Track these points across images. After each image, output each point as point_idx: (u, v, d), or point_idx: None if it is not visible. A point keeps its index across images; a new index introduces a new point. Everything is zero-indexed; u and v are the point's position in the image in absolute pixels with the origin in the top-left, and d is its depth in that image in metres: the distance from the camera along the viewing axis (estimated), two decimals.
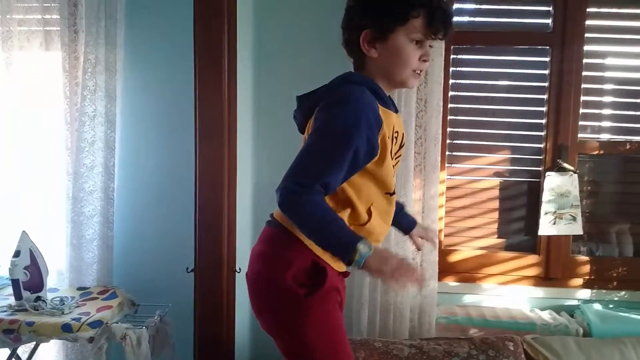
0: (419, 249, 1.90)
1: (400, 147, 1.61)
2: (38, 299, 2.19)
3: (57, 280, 2.51)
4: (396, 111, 1.57)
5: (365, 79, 1.51)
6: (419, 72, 1.52)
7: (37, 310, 2.14)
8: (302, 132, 1.60)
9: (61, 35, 2.42)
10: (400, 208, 1.78)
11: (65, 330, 2.03)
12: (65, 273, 2.49)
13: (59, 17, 2.42)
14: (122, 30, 2.45)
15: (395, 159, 1.59)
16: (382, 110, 1.46)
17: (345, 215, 1.47)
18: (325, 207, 1.37)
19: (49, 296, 2.25)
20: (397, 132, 1.54)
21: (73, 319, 2.07)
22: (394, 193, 1.56)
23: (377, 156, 1.45)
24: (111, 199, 2.47)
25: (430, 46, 1.51)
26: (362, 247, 1.32)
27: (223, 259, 2.10)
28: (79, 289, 2.40)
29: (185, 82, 2.10)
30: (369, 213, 1.51)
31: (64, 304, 2.19)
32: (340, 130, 1.39)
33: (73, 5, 2.41)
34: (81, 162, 2.41)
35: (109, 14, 2.40)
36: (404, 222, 1.82)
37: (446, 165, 2.55)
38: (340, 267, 1.55)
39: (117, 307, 2.22)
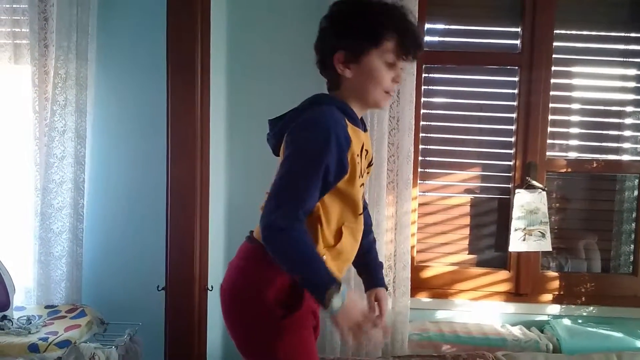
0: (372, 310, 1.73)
1: (369, 165, 1.63)
2: (4, 318, 2.14)
3: (25, 299, 2.45)
4: (365, 130, 1.59)
5: (333, 98, 1.53)
6: (390, 92, 1.55)
7: (3, 329, 2.09)
8: (277, 154, 1.60)
9: (31, 49, 2.39)
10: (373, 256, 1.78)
11: (32, 350, 1.99)
12: (32, 291, 2.43)
13: (28, 30, 2.39)
14: (94, 44, 2.43)
15: (365, 175, 1.61)
16: (351, 128, 1.48)
17: (316, 233, 1.47)
18: (307, 245, 1.39)
19: (16, 315, 2.20)
20: (366, 150, 1.55)
21: (40, 339, 2.02)
22: (361, 213, 1.58)
23: (348, 175, 1.46)
24: (81, 215, 2.43)
25: (400, 68, 1.54)
26: (335, 300, 1.33)
27: (195, 277, 2.08)
28: (47, 307, 2.35)
29: (158, 98, 2.09)
30: (340, 233, 1.51)
31: (30, 323, 2.14)
32: (311, 152, 1.41)
33: (44, 19, 2.37)
34: (50, 178, 2.37)
35: (81, 29, 2.39)
36: (372, 279, 1.76)
37: (418, 182, 2.58)
38: None
39: (86, 326, 2.18)
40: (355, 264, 1.75)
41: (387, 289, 1.79)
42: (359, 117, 1.57)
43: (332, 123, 1.43)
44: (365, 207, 1.77)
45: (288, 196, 1.40)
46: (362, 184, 1.57)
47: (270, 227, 1.38)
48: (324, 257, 1.47)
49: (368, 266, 1.77)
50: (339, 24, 1.51)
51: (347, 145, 1.44)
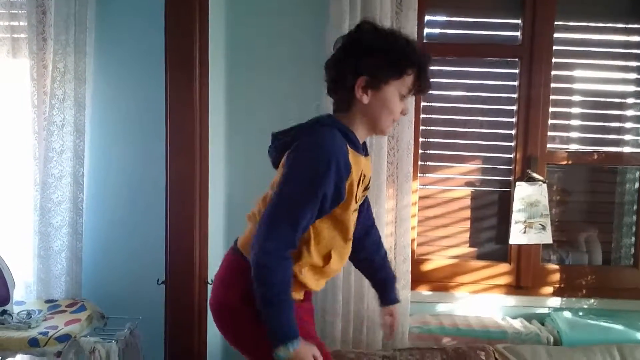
0: (384, 328, 1.89)
1: (366, 189, 1.65)
2: (4, 312, 2.14)
3: (25, 293, 2.46)
4: (366, 155, 1.62)
5: (338, 123, 1.55)
6: (396, 121, 1.63)
7: (3, 324, 2.10)
8: (276, 167, 1.62)
9: (29, 43, 2.39)
10: (387, 276, 1.85)
11: (32, 345, 1.99)
12: (32, 285, 2.44)
13: (26, 24, 2.38)
14: (92, 38, 2.43)
15: (360, 199, 1.65)
16: (352, 154, 1.51)
17: (301, 252, 1.52)
18: (285, 287, 1.43)
19: (16, 309, 2.21)
20: (364, 175, 1.58)
21: (40, 333, 2.03)
22: (351, 238, 1.63)
23: (343, 201, 1.51)
24: (80, 209, 2.43)
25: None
26: (282, 351, 1.40)
27: (194, 271, 2.08)
28: (47, 301, 2.35)
29: (157, 92, 2.08)
30: (329, 256, 1.57)
31: (30, 317, 2.14)
32: (310, 177, 1.44)
33: (42, 12, 2.38)
34: (49, 172, 2.37)
35: (79, 22, 2.38)
36: (388, 295, 1.85)
37: (418, 175, 2.57)
38: (297, 296, 1.59)
39: (86, 320, 2.18)
40: (371, 280, 1.86)
41: (399, 302, 1.87)
42: (362, 142, 1.60)
43: (335, 149, 1.46)
44: (373, 224, 1.83)
45: (285, 220, 1.43)
46: (356, 210, 1.61)
47: (263, 252, 1.42)
48: (303, 270, 1.53)
49: (385, 283, 1.84)
50: (367, 50, 1.52)
51: (346, 173, 1.47)
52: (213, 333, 2.24)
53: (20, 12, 2.43)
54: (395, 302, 1.84)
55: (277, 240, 1.42)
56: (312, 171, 1.44)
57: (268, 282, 1.42)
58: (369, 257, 1.81)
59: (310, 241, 1.52)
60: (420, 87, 1.58)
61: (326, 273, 1.60)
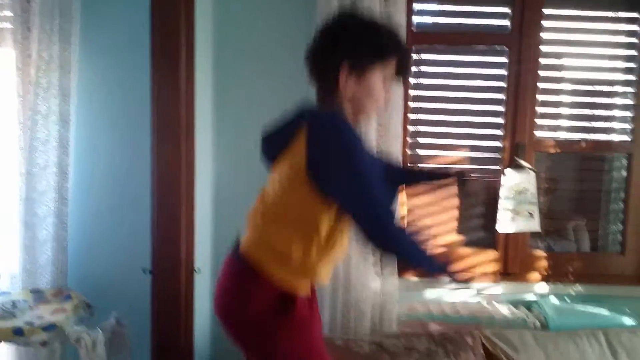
0: None
1: None
2: None
3: (10, 283, 2.43)
4: None
5: (333, 110, 1.56)
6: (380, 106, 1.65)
7: None
8: (271, 161, 1.63)
9: (13, 32, 2.35)
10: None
11: (17, 334, 1.98)
12: (18, 276, 2.41)
13: (11, 13, 2.35)
14: (77, 28, 2.40)
15: None
16: None
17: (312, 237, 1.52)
18: (412, 239, 1.52)
19: (1, 299, 2.19)
20: None
21: (25, 323, 2.01)
22: None
23: None
24: (65, 199, 2.41)
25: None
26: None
27: (181, 260, 2.07)
28: (32, 291, 2.33)
29: (142, 81, 2.07)
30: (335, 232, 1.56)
31: (16, 307, 2.13)
32: (354, 154, 1.43)
33: (26, 1, 2.34)
34: (34, 162, 2.34)
35: (63, 12, 2.36)
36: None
37: (407, 163, 2.57)
38: (305, 291, 1.59)
39: (72, 309, 2.17)
40: (415, 181, 2.00)
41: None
42: None
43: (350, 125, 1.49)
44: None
45: (372, 203, 1.42)
46: None
47: (380, 239, 1.44)
48: (312, 253, 1.53)
49: (429, 174, 2.01)
50: (349, 34, 1.52)
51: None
52: (200, 322, 2.24)
53: (4, 1, 2.40)
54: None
55: (388, 219, 1.44)
56: (355, 153, 1.43)
57: (401, 252, 1.50)
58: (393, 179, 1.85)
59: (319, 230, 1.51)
60: (400, 72, 1.60)
61: (332, 254, 1.58)
